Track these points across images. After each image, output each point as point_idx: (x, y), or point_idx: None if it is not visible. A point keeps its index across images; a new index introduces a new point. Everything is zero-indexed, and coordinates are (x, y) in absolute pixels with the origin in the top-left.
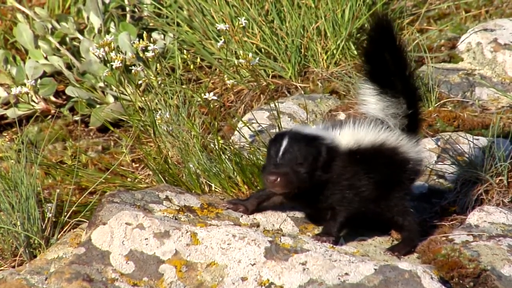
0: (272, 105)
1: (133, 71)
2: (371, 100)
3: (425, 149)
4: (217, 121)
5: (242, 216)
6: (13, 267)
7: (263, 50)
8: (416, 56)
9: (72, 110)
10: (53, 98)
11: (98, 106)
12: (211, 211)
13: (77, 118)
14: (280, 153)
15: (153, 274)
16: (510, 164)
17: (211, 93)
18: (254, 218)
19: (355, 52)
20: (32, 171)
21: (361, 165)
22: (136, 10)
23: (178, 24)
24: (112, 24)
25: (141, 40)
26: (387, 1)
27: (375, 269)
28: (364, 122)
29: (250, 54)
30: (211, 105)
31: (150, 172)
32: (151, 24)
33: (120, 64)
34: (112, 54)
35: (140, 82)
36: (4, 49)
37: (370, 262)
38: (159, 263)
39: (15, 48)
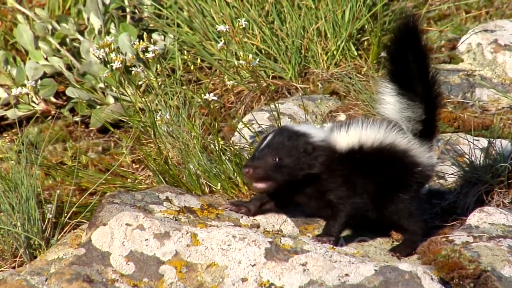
0: (272, 106)
1: (133, 72)
2: (389, 100)
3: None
4: (217, 122)
5: (242, 217)
6: (13, 268)
7: (263, 51)
8: None
9: (72, 111)
10: (53, 99)
11: (98, 107)
12: (211, 212)
13: (77, 119)
14: (261, 147)
15: (153, 275)
16: (510, 165)
17: (211, 94)
18: (254, 219)
19: (355, 53)
20: (32, 172)
21: (360, 163)
22: (136, 11)
23: (178, 25)
24: (112, 25)
25: (141, 41)
26: (388, 2)
27: (375, 270)
28: (374, 123)
29: (250, 55)
30: (211, 106)
31: (150, 173)
32: (151, 25)
33: (120, 65)
34: (112, 55)
35: (140, 83)
36: (4, 50)
37: (370, 263)
38: (159, 264)
39: (15, 49)
